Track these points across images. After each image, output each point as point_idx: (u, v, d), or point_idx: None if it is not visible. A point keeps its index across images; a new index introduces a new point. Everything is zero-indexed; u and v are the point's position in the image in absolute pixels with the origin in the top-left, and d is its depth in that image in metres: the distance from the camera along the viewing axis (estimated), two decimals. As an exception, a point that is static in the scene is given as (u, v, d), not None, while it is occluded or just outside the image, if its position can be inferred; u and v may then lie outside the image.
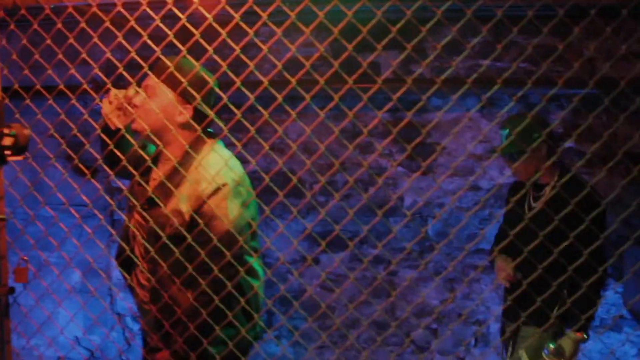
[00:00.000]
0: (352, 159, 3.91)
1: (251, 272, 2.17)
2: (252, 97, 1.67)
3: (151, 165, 2.16)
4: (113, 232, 2.93)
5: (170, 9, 1.95)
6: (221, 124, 2.12)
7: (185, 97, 2.17)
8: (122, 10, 1.99)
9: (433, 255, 3.36)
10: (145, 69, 2.00)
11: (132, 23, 1.96)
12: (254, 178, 2.31)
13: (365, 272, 3.93)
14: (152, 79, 2.20)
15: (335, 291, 3.76)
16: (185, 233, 2.01)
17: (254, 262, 2.20)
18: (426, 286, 3.89)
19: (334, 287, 3.62)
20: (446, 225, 3.84)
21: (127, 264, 2.28)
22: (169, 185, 2.11)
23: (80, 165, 2.13)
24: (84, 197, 2.10)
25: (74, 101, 2.05)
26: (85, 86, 2.07)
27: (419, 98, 1.69)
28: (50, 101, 2.11)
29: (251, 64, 1.85)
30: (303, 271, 3.96)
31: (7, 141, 1.71)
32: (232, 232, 2.04)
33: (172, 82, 2.15)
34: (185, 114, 2.18)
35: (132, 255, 2.20)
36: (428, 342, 3.93)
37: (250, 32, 1.80)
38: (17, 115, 2.01)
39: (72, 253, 3.21)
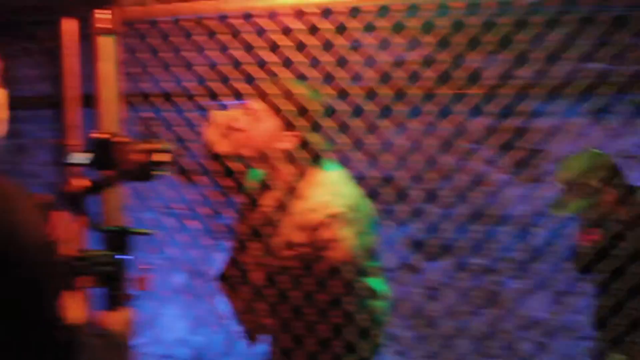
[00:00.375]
0: (452, 165, 3.82)
1: (371, 293, 2.11)
2: (374, 107, 1.65)
3: (259, 191, 2.14)
4: (217, 238, 2.97)
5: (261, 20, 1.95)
6: (333, 145, 2.10)
7: (291, 125, 2.08)
8: (207, 23, 2.02)
9: (539, 266, 3.23)
10: (254, 83, 2.00)
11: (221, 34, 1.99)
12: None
13: (469, 281, 3.83)
14: (257, 103, 2.11)
15: (437, 300, 3.69)
16: (299, 262, 2.00)
17: (374, 282, 2.13)
18: (532, 298, 3.74)
19: (436, 296, 3.55)
20: (554, 235, 3.69)
21: (233, 278, 2.29)
22: (279, 214, 2.08)
23: (188, 175, 2.16)
24: (192, 205, 2.13)
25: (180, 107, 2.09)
26: (190, 94, 2.11)
27: (520, 103, 1.62)
28: (166, 107, 2.17)
29: (368, 74, 1.83)
30: (404, 279, 3.90)
31: (158, 157, 1.73)
32: (346, 261, 1.99)
33: (279, 109, 2.06)
34: (291, 141, 2.09)
35: (238, 274, 2.20)
36: (534, 356, 3.78)
37: (373, 41, 1.78)
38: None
39: (174, 255, 3.29)
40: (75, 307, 1.44)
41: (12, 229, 1.31)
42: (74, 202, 1.64)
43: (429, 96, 1.81)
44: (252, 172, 2.33)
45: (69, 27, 2.22)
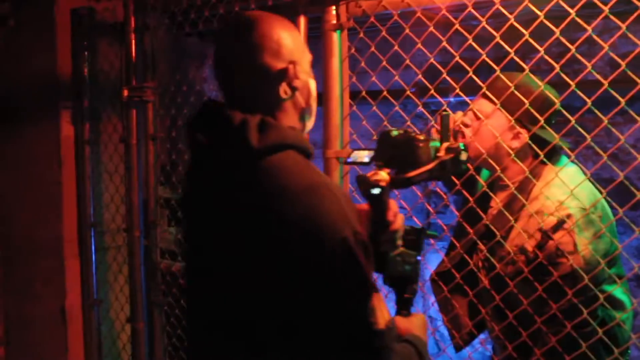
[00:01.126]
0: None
1: (613, 302, 1.92)
2: (589, 101, 1.50)
3: (488, 192, 2.04)
4: (439, 238, 2.91)
5: (496, 9, 1.84)
6: (571, 143, 1.94)
7: (522, 122, 1.98)
8: (446, 13, 1.94)
9: None
10: (470, 74, 1.91)
11: (457, 26, 1.90)
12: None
13: None
14: (487, 102, 2.04)
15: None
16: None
17: (617, 291, 1.95)
18: None
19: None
20: None
21: (445, 277, 2.21)
22: (509, 214, 1.96)
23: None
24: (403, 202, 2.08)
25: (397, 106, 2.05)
26: (407, 91, 2.06)
27: None
28: (374, 106, 2.15)
29: (589, 65, 1.66)
30: (634, 292, 3.55)
31: (463, 156, 1.66)
32: (583, 267, 1.82)
33: (508, 106, 1.96)
34: (521, 138, 2.01)
35: (463, 276, 2.10)
36: None
37: (589, 28, 1.60)
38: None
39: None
40: (381, 310, 1.33)
41: (318, 226, 1.23)
42: (375, 198, 1.57)
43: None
44: (481, 172, 2.24)
45: (302, 25, 2.27)
